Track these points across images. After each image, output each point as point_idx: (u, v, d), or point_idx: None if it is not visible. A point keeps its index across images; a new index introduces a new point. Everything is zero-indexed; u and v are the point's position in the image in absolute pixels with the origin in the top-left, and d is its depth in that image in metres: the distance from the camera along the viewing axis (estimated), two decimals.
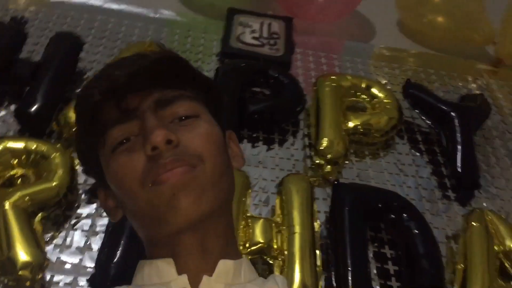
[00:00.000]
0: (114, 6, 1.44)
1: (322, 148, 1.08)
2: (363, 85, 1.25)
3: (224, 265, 0.55)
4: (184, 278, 0.54)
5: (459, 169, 1.13)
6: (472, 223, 1.00)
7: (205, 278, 0.54)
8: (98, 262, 0.81)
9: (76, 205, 0.92)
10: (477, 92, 1.42)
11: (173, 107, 0.56)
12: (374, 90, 1.25)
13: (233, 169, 0.61)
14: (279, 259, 0.88)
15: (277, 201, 0.97)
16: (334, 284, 0.88)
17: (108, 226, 0.88)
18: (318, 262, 0.90)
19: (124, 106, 0.56)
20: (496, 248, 0.97)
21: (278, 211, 0.96)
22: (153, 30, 1.39)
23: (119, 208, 0.60)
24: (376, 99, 1.24)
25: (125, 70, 0.56)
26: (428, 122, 1.25)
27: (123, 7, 1.45)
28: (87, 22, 1.37)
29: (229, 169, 0.59)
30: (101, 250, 0.83)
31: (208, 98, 0.61)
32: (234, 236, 0.61)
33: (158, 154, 0.52)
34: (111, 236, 0.84)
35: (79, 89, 0.61)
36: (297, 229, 0.90)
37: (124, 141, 0.55)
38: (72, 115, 1.01)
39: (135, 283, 0.58)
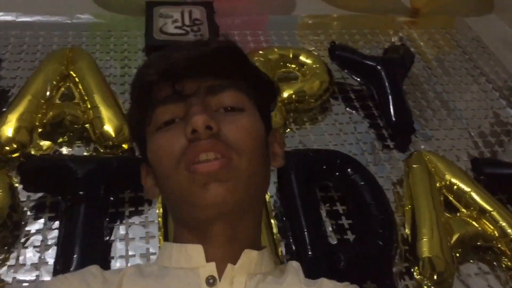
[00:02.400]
0: (28, 18, 1.40)
1: None
2: (291, 55, 1.28)
3: (249, 255, 0.57)
4: (212, 265, 0.56)
5: (393, 118, 1.18)
6: (413, 165, 1.05)
7: (229, 266, 0.56)
8: (56, 274, 0.80)
9: (23, 223, 0.90)
10: (399, 43, 1.48)
11: (220, 96, 0.58)
12: (302, 58, 1.27)
13: (270, 166, 0.63)
14: None
15: None
16: (294, 248, 0.91)
17: (59, 237, 0.86)
18: (275, 231, 0.93)
19: (176, 88, 0.57)
20: (438, 184, 1.03)
21: None
22: (73, 36, 1.36)
23: (157, 187, 0.62)
24: (306, 66, 1.27)
25: (184, 54, 0.58)
26: (358, 79, 1.29)
27: (37, 18, 1.40)
28: (2, 39, 1.32)
29: (266, 166, 0.61)
30: (56, 262, 0.82)
31: (258, 93, 0.63)
32: (261, 228, 0.64)
33: (197, 137, 0.54)
34: (64, 246, 0.83)
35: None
36: None
37: (169, 122, 0.58)
38: (2, 134, 0.98)
39: (161, 263, 0.60)
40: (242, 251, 0.57)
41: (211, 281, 0.55)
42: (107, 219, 0.90)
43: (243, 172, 0.55)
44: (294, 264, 0.62)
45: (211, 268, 0.56)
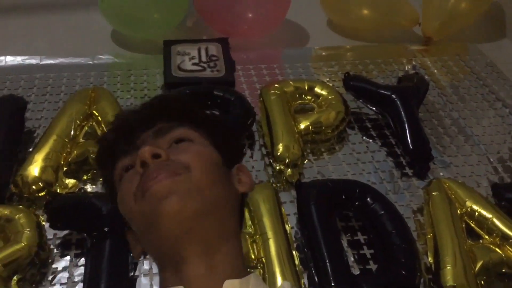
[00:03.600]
0: (51, 61, 1.45)
1: (279, 153, 1.11)
2: (306, 87, 1.30)
3: (231, 286, 0.57)
4: None
5: (410, 146, 1.19)
6: (432, 193, 1.05)
7: None
8: None
9: (50, 260, 0.92)
10: (413, 71, 1.49)
11: (169, 134, 0.64)
12: (317, 89, 1.29)
13: (237, 192, 0.66)
14: (259, 267, 0.91)
15: (246, 213, 1.00)
16: (316, 279, 0.91)
17: (85, 274, 0.88)
18: (297, 262, 0.93)
19: (130, 140, 0.63)
20: (458, 211, 1.02)
21: (248, 222, 0.98)
22: (95, 76, 1.41)
23: (138, 243, 0.66)
24: (321, 98, 1.28)
25: (132, 111, 0.67)
26: (373, 108, 1.31)
27: (60, 60, 1.46)
28: (27, 82, 1.36)
29: (225, 187, 0.63)
30: None
31: (209, 132, 0.68)
32: (242, 254, 0.64)
33: (147, 169, 0.58)
34: (90, 282, 0.84)
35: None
36: (270, 235, 0.92)
37: (129, 167, 0.62)
38: (29, 174, 1.01)
39: None
40: (223, 282, 0.57)
41: None
42: (132, 254, 0.92)
43: (194, 184, 0.57)
44: (286, 285, 0.62)
45: None
